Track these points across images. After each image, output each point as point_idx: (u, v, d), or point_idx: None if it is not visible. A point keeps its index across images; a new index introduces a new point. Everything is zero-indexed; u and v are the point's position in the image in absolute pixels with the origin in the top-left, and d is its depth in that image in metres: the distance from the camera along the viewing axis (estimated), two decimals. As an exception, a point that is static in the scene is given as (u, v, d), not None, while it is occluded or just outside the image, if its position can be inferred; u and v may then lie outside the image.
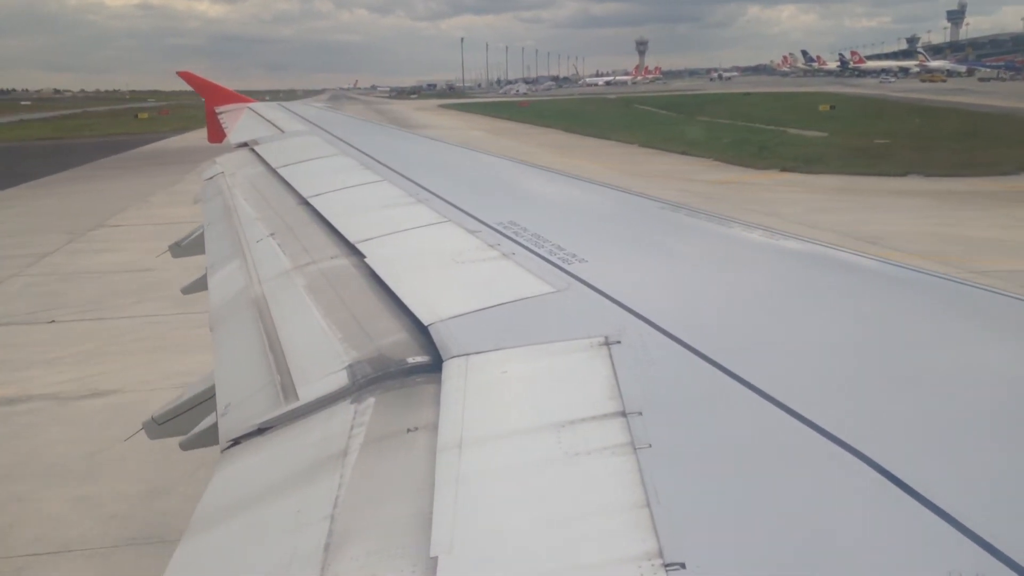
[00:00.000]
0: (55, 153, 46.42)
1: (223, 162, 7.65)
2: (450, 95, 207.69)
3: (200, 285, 5.22)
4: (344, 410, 2.08)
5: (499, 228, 3.42)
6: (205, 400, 3.14)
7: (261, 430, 2.20)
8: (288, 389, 2.38)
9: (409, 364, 2.23)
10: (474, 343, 2.19)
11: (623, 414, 1.70)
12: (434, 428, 1.82)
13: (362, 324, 2.66)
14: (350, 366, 2.33)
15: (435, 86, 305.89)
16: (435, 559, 1.34)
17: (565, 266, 2.78)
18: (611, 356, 1.99)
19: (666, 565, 1.22)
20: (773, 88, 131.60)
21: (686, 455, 1.56)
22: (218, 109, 13.43)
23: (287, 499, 1.78)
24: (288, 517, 1.70)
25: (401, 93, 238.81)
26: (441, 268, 3.02)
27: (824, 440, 1.52)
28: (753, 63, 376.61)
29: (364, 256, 3.30)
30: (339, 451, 1.86)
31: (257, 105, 13.73)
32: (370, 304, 2.82)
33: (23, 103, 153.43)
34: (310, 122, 10.04)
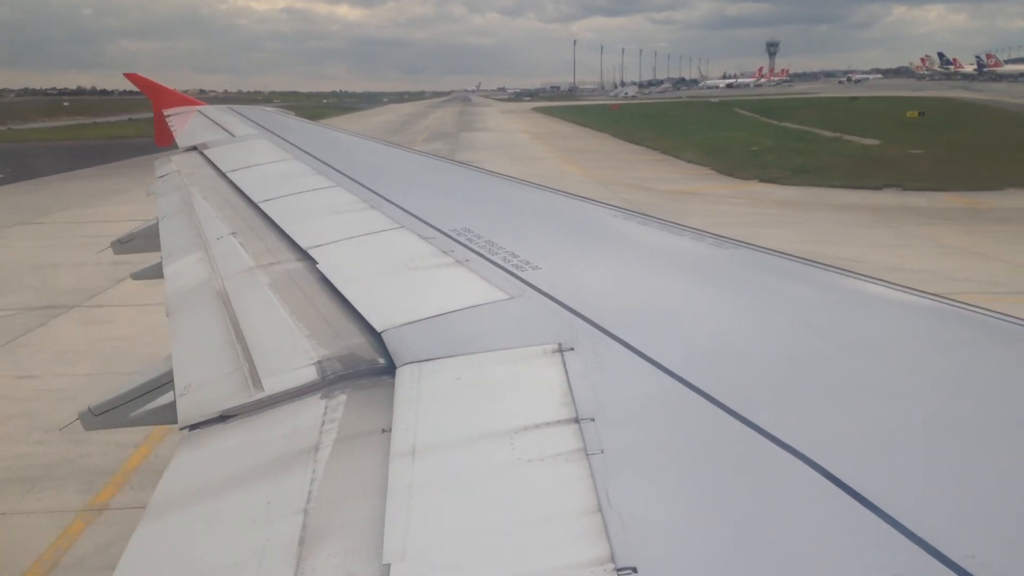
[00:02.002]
0: (103, 152, 48.88)
1: (177, 161, 7.67)
2: (568, 97, 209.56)
3: (152, 272, 5.32)
4: (314, 405, 2.07)
5: (453, 235, 3.40)
6: (145, 393, 3.09)
7: (224, 417, 2.16)
8: (252, 378, 2.35)
9: (379, 365, 2.22)
10: (428, 350, 2.17)
11: (576, 420, 1.70)
12: None
13: (326, 324, 2.65)
14: (319, 362, 2.31)
15: (558, 88, 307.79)
16: (388, 566, 1.32)
17: (519, 273, 2.78)
18: (564, 363, 1.98)
19: (618, 570, 1.23)
20: (889, 92, 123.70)
21: (638, 461, 1.56)
22: (166, 112, 13.16)
23: (256, 490, 1.75)
24: (258, 508, 1.67)
25: (520, 96, 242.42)
26: (394, 274, 3.01)
27: (774, 446, 1.52)
28: (895, 65, 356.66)
29: (316, 262, 3.26)
30: (311, 446, 1.85)
31: (206, 108, 13.54)
32: (327, 308, 2.80)
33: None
34: (262, 127, 9.90)
